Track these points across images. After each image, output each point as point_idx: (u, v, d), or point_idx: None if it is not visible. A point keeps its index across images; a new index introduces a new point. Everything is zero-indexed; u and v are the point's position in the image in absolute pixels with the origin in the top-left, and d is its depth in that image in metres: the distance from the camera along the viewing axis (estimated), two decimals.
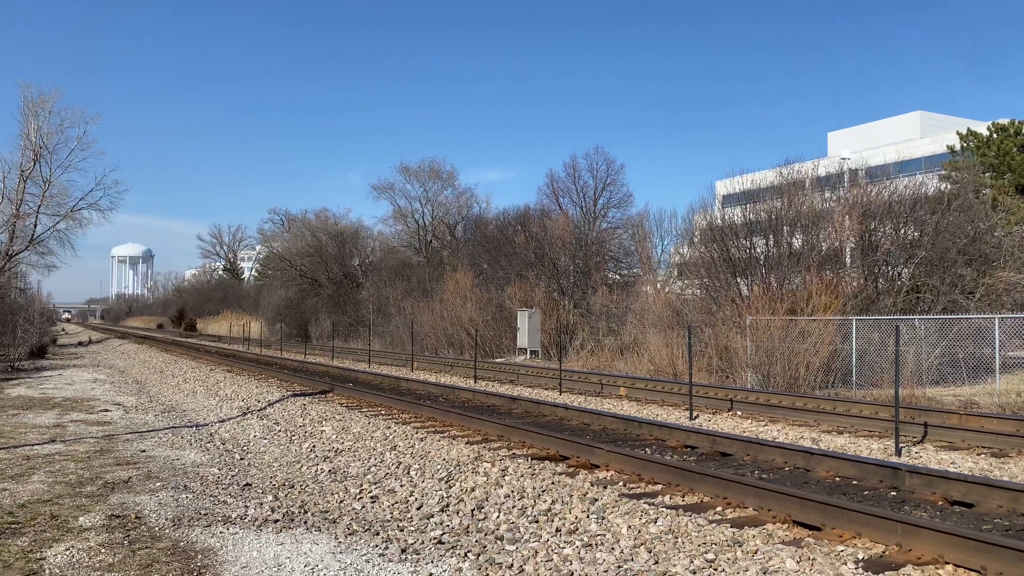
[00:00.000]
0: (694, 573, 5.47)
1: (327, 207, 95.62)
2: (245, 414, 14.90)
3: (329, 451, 10.68)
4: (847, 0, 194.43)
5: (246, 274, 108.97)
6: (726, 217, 25.90)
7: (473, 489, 8.05)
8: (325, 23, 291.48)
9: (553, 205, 45.88)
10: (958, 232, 22.44)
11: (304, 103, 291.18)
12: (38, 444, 11.45)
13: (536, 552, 5.97)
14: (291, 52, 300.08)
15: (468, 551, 6.04)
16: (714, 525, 6.57)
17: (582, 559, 5.81)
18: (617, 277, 37.79)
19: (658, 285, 31.40)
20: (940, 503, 7.35)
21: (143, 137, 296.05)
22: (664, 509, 7.09)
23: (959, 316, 18.80)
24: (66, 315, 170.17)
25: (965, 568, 5.44)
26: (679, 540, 6.17)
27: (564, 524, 6.71)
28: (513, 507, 7.31)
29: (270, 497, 8.01)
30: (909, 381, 16.66)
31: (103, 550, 6.12)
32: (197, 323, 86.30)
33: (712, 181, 53.35)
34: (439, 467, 9.20)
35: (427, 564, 5.78)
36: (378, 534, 6.57)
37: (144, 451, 10.91)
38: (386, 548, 6.17)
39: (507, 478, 8.48)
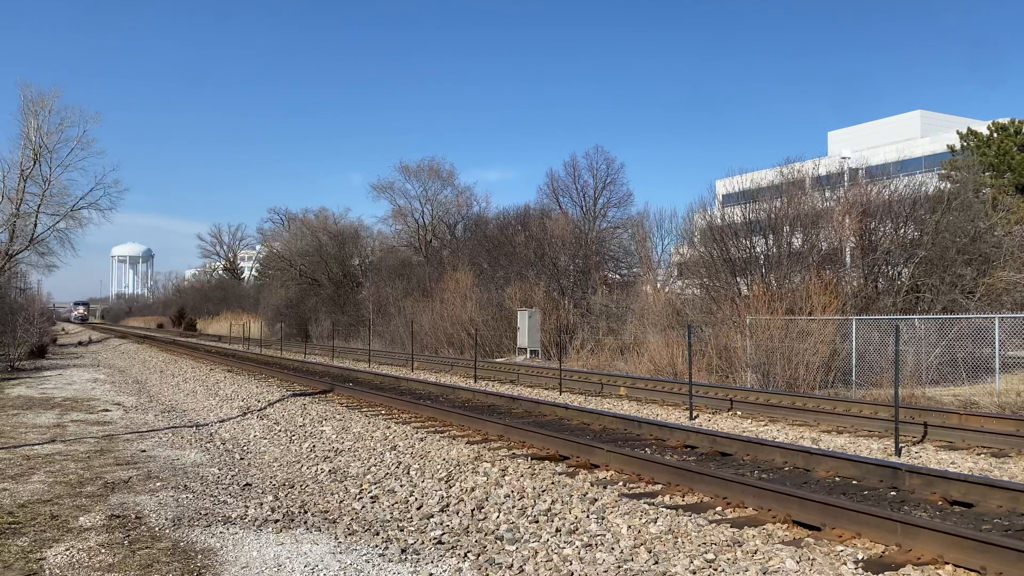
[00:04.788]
0: (694, 573, 5.48)
1: (327, 207, 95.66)
2: (245, 414, 14.90)
3: (329, 451, 10.69)
4: (848, 0, 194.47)
5: (246, 274, 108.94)
6: (726, 216, 25.89)
7: (473, 489, 8.05)
8: (325, 23, 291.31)
9: (553, 204, 45.92)
10: (958, 231, 22.45)
11: (304, 103, 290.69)
12: (38, 444, 11.45)
13: (536, 552, 5.98)
14: (291, 52, 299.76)
15: (468, 551, 6.04)
16: (714, 525, 6.57)
17: (582, 559, 5.82)
18: (617, 277, 37.78)
19: (658, 285, 31.41)
20: (940, 503, 7.36)
21: (143, 137, 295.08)
22: (664, 509, 7.10)
23: (959, 316, 18.81)
24: (81, 310, 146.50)
25: (965, 568, 5.44)
26: (679, 540, 6.17)
27: (564, 524, 6.72)
28: (513, 507, 7.31)
29: (270, 497, 8.01)
30: (909, 381, 16.67)
31: (103, 550, 6.12)
32: (197, 323, 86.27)
33: (712, 180, 53.27)
34: (439, 467, 9.21)
35: (427, 564, 5.78)
36: (378, 534, 6.58)
37: (144, 451, 10.91)
38: (386, 548, 6.17)
39: (507, 478, 8.48)
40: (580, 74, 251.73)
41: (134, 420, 14.33)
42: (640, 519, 6.75)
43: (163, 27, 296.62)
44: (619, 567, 5.62)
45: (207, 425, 13.72)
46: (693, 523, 6.61)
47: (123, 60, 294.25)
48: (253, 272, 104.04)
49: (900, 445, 10.50)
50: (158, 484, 8.67)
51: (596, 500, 7.46)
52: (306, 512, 7.37)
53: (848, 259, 23.43)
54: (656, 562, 5.70)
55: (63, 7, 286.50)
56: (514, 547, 6.14)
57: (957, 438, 11.27)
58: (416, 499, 7.75)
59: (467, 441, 11.13)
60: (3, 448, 11.07)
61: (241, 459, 10.44)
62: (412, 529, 6.73)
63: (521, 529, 6.65)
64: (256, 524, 6.94)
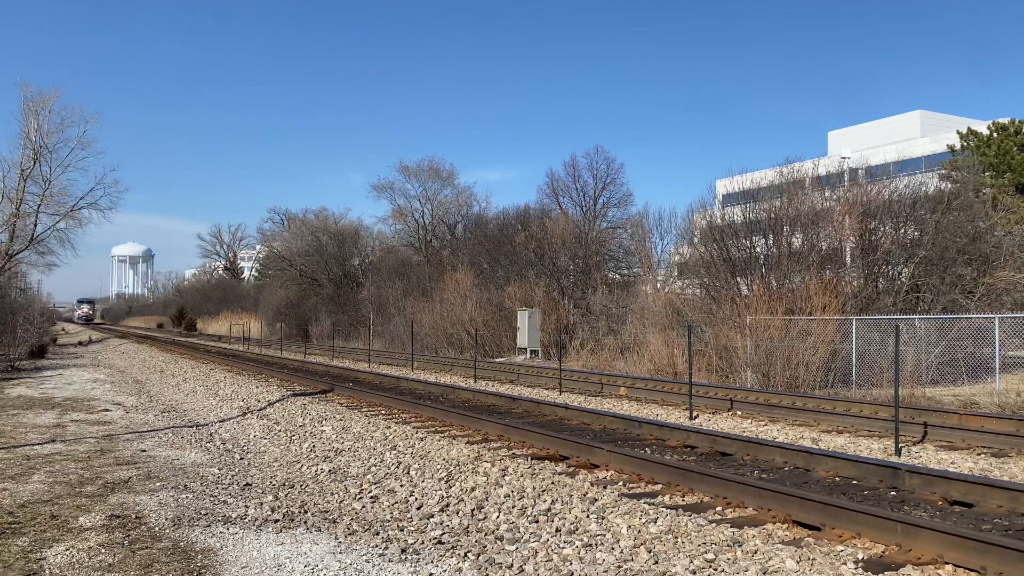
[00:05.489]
0: (694, 573, 5.48)
1: (327, 207, 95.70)
2: (245, 414, 14.90)
3: (329, 451, 10.68)
4: (848, 0, 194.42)
5: (246, 274, 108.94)
6: (726, 216, 25.91)
7: (473, 489, 8.05)
8: (325, 23, 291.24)
9: (553, 204, 45.91)
10: (958, 231, 22.44)
11: (304, 103, 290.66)
12: (38, 444, 11.45)
13: (536, 552, 5.98)
14: (291, 52, 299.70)
15: (468, 551, 6.04)
16: (714, 525, 6.57)
17: (582, 559, 5.82)
18: (617, 277, 37.81)
19: (658, 285, 31.41)
20: (940, 503, 7.36)
21: (143, 137, 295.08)
22: (664, 509, 7.10)
23: (959, 316, 18.81)
24: (85, 309, 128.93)
25: (965, 568, 5.44)
26: (679, 540, 6.17)
27: (564, 524, 6.72)
28: (513, 507, 7.31)
29: (270, 497, 8.01)
30: (909, 381, 16.66)
31: (103, 550, 6.12)
32: (197, 323, 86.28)
33: (712, 180, 53.28)
34: (439, 467, 9.21)
35: (427, 564, 5.78)
36: (378, 534, 6.57)
37: (144, 451, 10.91)
38: (386, 548, 6.17)
39: (507, 478, 8.48)
40: (580, 74, 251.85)
41: (134, 420, 14.32)
42: (640, 519, 6.75)
43: (163, 27, 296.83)
44: (619, 567, 5.62)
45: (207, 425, 13.71)
46: (693, 523, 6.61)
47: (123, 60, 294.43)
48: (253, 272, 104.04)
49: (900, 445, 10.50)
50: (158, 484, 8.67)
51: (596, 500, 7.46)
52: (306, 512, 7.37)
53: (848, 259, 23.43)
54: (656, 562, 5.70)
55: (63, 7, 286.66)
56: (514, 547, 6.14)
57: (957, 438, 11.27)
58: (416, 499, 7.75)
59: (467, 441, 11.13)
60: (3, 448, 11.07)
61: (241, 459, 10.44)
62: (412, 529, 6.73)
63: (521, 529, 6.65)
64: (256, 524, 6.94)
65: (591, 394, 17.98)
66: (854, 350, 18.26)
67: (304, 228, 60.97)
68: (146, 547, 6.21)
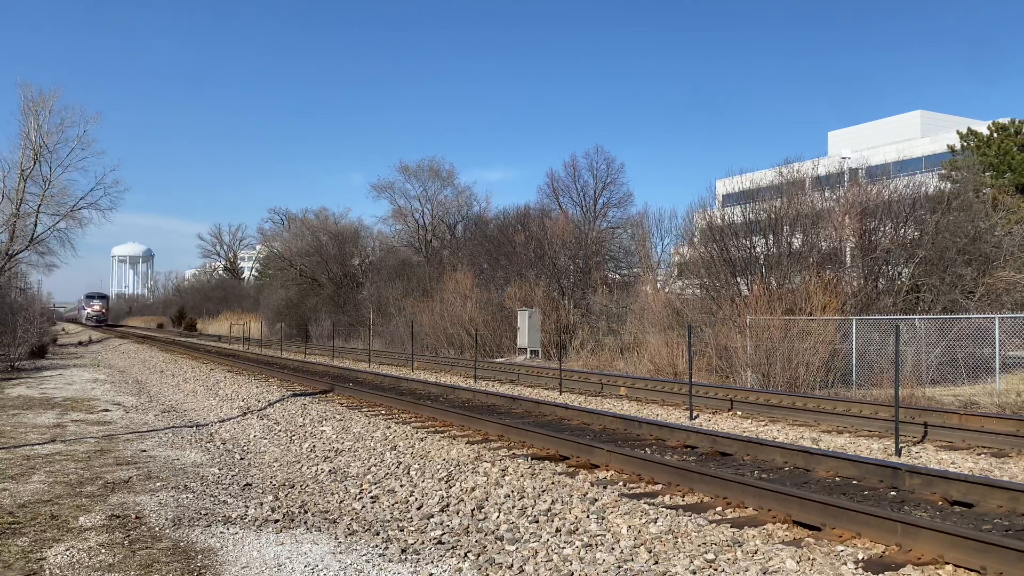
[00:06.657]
0: (694, 573, 5.48)
1: (327, 207, 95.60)
2: (245, 414, 14.90)
3: (329, 451, 10.69)
4: (848, 0, 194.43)
5: (246, 274, 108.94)
6: (726, 217, 25.91)
7: (473, 489, 8.06)
8: (325, 23, 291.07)
9: (553, 204, 45.98)
10: (958, 231, 22.45)
11: (304, 103, 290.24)
12: (38, 444, 11.45)
13: (536, 552, 5.98)
14: (291, 52, 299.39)
15: (468, 551, 6.04)
16: (714, 525, 6.57)
17: (582, 559, 5.82)
18: (617, 277, 37.81)
19: (658, 285, 31.43)
20: (940, 503, 7.36)
21: (143, 137, 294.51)
22: (664, 509, 7.10)
23: (959, 316, 18.81)
24: (96, 306, 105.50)
25: (965, 568, 5.44)
26: (679, 540, 6.17)
27: (564, 524, 6.72)
28: (513, 507, 7.31)
29: (270, 497, 8.01)
30: (909, 381, 16.66)
31: (103, 550, 6.12)
32: (197, 323, 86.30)
33: (712, 181, 53.28)
34: (439, 467, 9.21)
35: (427, 564, 5.78)
36: (378, 534, 6.58)
37: (144, 451, 10.91)
38: (386, 548, 6.17)
39: (507, 478, 8.48)
40: (580, 74, 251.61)
41: (134, 420, 14.33)
42: (640, 519, 6.75)
43: (163, 27, 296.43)
44: (619, 567, 5.62)
45: (207, 425, 13.72)
46: (693, 523, 6.61)
47: (123, 60, 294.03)
48: (253, 272, 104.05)
49: (900, 445, 10.50)
50: (158, 484, 8.67)
51: (596, 500, 7.46)
52: (306, 512, 7.37)
53: (848, 259, 23.44)
54: (656, 562, 5.70)
55: (63, 7, 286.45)
56: (514, 547, 6.14)
57: (957, 438, 11.27)
58: (416, 499, 7.75)
59: (467, 441, 11.13)
60: (3, 448, 11.07)
61: (241, 459, 10.44)
62: (412, 529, 6.73)
63: (521, 529, 6.65)
64: (256, 524, 6.94)
65: (591, 394, 17.98)
66: (854, 350, 18.27)
67: (304, 228, 60.98)
68: (146, 547, 6.21)
